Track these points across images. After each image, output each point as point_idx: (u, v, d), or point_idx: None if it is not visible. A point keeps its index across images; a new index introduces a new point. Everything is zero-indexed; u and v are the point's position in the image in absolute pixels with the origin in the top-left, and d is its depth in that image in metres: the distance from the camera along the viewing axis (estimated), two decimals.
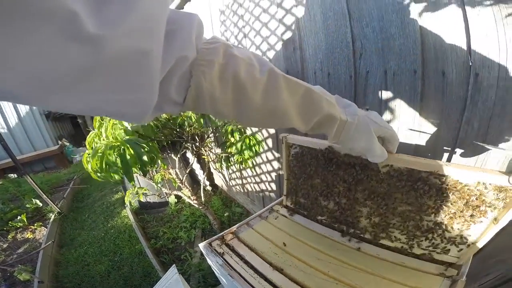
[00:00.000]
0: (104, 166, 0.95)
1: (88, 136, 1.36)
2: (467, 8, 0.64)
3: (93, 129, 1.39)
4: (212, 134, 1.98)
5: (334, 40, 0.98)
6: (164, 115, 1.44)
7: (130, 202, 2.56)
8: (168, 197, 2.73)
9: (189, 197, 1.89)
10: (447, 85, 0.72)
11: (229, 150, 1.63)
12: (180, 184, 1.76)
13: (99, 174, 1.09)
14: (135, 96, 0.31)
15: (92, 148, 1.27)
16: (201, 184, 2.25)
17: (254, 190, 2.16)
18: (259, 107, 0.44)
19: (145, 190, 1.72)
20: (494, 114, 0.65)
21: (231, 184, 2.61)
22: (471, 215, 0.58)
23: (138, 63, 0.28)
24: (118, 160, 0.96)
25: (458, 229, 0.60)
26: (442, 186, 0.59)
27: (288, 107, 0.47)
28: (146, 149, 0.99)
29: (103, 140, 1.20)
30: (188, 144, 1.72)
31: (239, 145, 1.46)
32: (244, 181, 2.27)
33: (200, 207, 2.02)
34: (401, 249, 0.69)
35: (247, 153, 1.44)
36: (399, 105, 0.83)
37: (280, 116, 0.47)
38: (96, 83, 0.26)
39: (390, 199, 0.68)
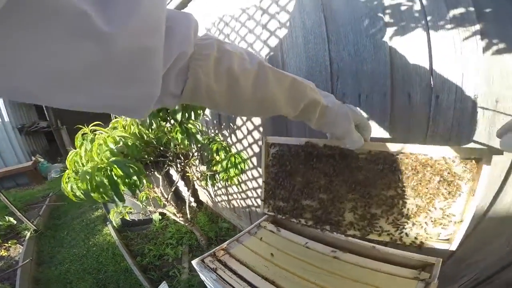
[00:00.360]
0: (94, 188, 0.95)
1: (68, 155, 1.33)
2: (431, 32, 0.70)
3: (73, 148, 1.36)
4: (196, 152, 1.98)
5: (313, 62, 1.04)
6: (150, 135, 1.44)
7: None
8: (152, 215, 2.67)
9: (174, 214, 1.87)
10: (412, 106, 0.79)
11: (214, 168, 1.64)
12: (166, 202, 1.74)
13: (78, 193, 1.06)
14: (140, 90, 0.33)
15: (73, 168, 1.24)
16: (186, 200, 2.23)
17: (240, 206, 2.15)
18: (250, 96, 0.48)
19: (129, 209, 1.69)
20: (452, 135, 0.73)
21: (216, 200, 2.57)
22: (449, 192, 0.62)
23: (143, 60, 0.30)
24: (106, 181, 0.96)
25: (440, 208, 0.64)
26: (417, 164, 0.65)
27: (277, 95, 0.51)
28: (135, 170, 1.00)
29: (85, 161, 1.17)
30: (173, 163, 1.72)
31: (224, 163, 1.48)
32: (230, 197, 2.26)
33: (186, 224, 1.99)
34: (390, 241, 0.70)
35: (232, 171, 1.46)
36: (371, 125, 0.89)
37: (270, 103, 0.51)
38: (103, 79, 0.28)
39: (371, 186, 0.71)
